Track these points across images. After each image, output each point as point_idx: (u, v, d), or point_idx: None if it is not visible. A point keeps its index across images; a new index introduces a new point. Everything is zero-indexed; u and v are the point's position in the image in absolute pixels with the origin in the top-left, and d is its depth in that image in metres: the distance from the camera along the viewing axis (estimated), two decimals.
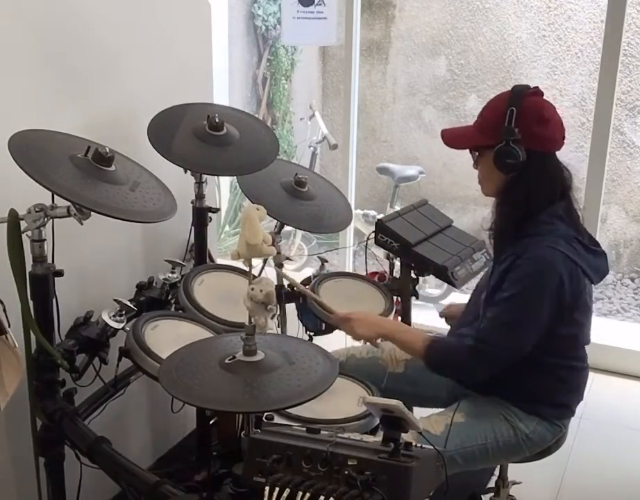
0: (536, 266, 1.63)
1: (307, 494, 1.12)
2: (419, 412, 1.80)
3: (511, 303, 1.65)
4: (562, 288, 1.63)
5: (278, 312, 2.22)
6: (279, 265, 2.30)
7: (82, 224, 1.60)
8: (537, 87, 1.74)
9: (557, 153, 1.74)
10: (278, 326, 2.24)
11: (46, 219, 1.60)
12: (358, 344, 1.95)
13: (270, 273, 2.20)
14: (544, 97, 1.75)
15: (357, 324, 1.82)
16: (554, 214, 1.71)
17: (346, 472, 1.13)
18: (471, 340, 1.67)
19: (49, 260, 1.67)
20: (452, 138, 1.82)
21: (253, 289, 1.40)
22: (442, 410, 1.82)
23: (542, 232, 1.68)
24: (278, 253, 2.28)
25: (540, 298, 1.63)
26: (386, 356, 2.00)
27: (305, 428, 1.29)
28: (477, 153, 1.78)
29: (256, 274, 2.13)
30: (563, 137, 1.74)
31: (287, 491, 1.14)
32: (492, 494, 2.00)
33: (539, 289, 1.63)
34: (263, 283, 1.42)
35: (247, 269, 1.45)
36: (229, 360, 1.37)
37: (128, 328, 1.76)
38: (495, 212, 1.78)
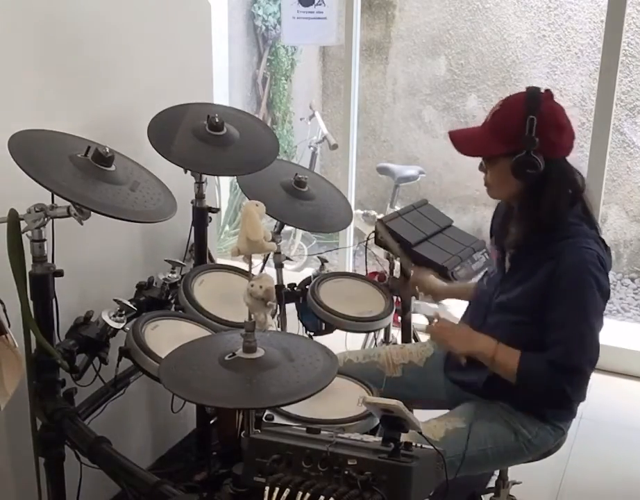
0: (583, 271, 1.62)
1: (307, 494, 1.12)
2: (418, 416, 1.79)
3: (578, 315, 1.62)
4: (604, 285, 1.64)
5: (278, 312, 2.22)
6: (279, 265, 2.30)
7: (82, 224, 1.60)
8: (549, 90, 1.68)
9: None
10: (278, 326, 2.24)
11: (46, 219, 1.60)
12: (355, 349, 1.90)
13: (270, 272, 2.20)
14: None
15: (449, 334, 1.75)
16: (577, 215, 1.71)
17: (346, 472, 1.13)
18: (560, 373, 1.61)
19: (49, 260, 1.66)
20: (465, 143, 1.74)
21: (252, 285, 1.40)
22: (441, 414, 1.80)
23: (573, 234, 1.67)
24: (278, 253, 2.28)
25: (596, 298, 1.63)
26: (384, 360, 1.99)
27: (305, 428, 1.29)
28: (487, 160, 1.72)
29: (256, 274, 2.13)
30: (574, 140, 1.71)
31: (287, 491, 1.14)
32: (492, 494, 2.00)
33: (592, 292, 1.62)
34: (263, 279, 1.41)
35: (247, 267, 1.45)
36: (229, 357, 1.37)
37: (128, 328, 1.76)
38: (519, 216, 1.73)
